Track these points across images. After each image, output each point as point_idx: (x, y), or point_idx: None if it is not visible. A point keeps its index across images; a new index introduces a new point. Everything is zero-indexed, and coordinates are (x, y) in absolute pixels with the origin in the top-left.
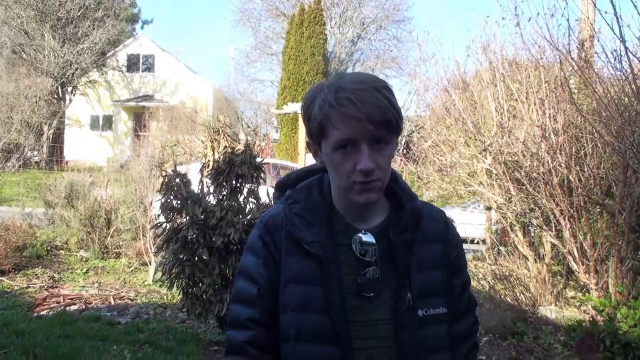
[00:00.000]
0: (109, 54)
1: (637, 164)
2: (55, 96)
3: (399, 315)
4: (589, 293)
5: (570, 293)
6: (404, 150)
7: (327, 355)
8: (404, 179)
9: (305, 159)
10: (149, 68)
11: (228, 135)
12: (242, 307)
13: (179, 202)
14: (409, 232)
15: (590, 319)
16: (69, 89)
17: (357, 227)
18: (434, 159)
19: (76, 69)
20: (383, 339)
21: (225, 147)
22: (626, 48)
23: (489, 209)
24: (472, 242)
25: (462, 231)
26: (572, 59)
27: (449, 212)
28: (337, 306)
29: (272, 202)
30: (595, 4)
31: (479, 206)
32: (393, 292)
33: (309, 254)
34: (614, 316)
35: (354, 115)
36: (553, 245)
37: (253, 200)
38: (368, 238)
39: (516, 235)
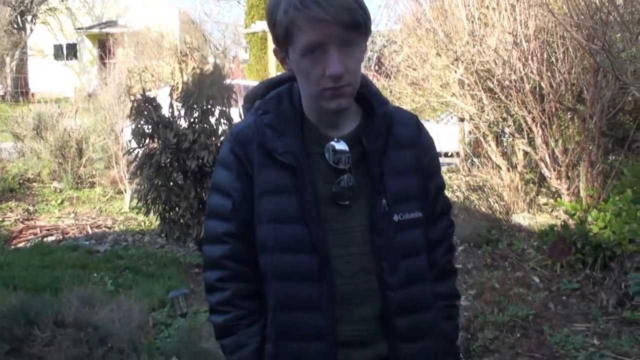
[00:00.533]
0: None
1: (608, 66)
2: (15, 26)
3: (374, 221)
4: (560, 198)
5: (543, 200)
6: (376, 66)
7: (306, 263)
8: None
9: None
10: None
11: (195, 56)
12: (217, 222)
13: (150, 127)
14: (381, 138)
15: (562, 223)
16: (29, 17)
17: (329, 135)
18: (406, 72)
19: None
20: (360, 245)
21: (194, 68)
22: None
23: (462, 120)
24: (446, 155)
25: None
26: None
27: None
28: (313, 215)
29: (242, 115)
30: None
31: (452, 118)
32: (368, 199)
33: (282, 165)
34: (585, 219)
35: (321, 17)
36: (526, 153)
37: (225, 122)
38: (341, 146)
39: (489, 145)
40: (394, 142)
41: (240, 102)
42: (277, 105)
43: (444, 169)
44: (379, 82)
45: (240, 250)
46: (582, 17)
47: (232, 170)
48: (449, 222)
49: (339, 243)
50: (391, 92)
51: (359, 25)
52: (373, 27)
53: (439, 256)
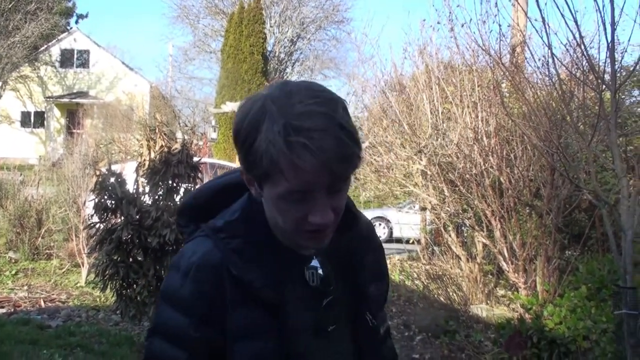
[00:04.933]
0: (41, 49)
1: (563, 167)
2: None
3: (365, 339)
4: (517, 292)
5: (500, 292)
6: None
7: None
8: None
9: None
10: (84, 64)
11: (165, 134)
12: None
13: (113, 202)
14: (363, 248)
15: (519, 317)
16: None
17: (303, 254)
18: (370, 160)
19: (6, 64)
20: None
21: (162, 146)
22: (553, 54)
23: (424, 209)
24: (407, 242)
25: (398, 231)
26: (504, 64)
27: (386, 213)
28: (296, 356)
29: (179, 233)
30: (526, 13)
31: (414, 207)
32: (349, 315)
33: (260, 302)
34: (541, 314)
35: (311, 168)
36: (484, 245)
37: None
38: (317, 264)
39: (449, 235)
40: (365, 246)
41: (207, 180)
42: (247, 226)
43: (404, 256)
44: None
45: None
46: (539, 118)
47: (194, 314)
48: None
49: None
50: (356, 178)
51: (353, 169)
52: None
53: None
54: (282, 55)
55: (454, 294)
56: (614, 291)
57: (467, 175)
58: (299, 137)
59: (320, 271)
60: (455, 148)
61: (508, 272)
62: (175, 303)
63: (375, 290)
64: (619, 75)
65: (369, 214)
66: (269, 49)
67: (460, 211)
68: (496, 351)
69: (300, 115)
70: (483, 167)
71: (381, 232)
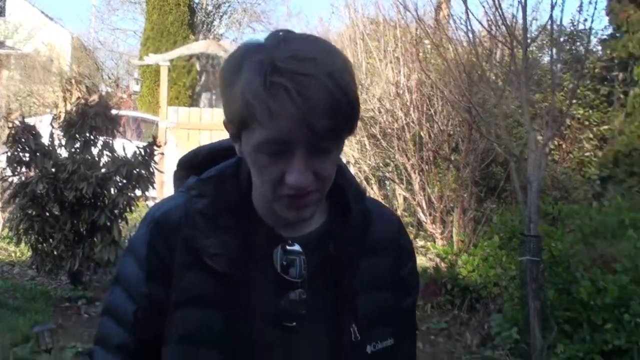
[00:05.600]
0: None
1: (480, 122)
2: None
3: (342, 355)
4: (435, 242)
5: (420, 242)
6: None
7: None
8: None
9: (168, 113)
10: (0, 12)
11: (81, 86)
12: (113, 325)
13: (27, 155)
14: (355, 243)
15: (434, 266)
16: None
17: (282, 235)
18: None
19: None
20: None
21: (79, 97)
22: (469, 10)
23: (347, 163)
24: None
25: None
26: (424, 21)
27: None
28: (242, 338)
29: (173, 186)
30: None
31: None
32: (330, 322)
33: (210, 270)
34: (455, 263)
35: (288, 114)
36: (405, 198)
37: (108, 153)
38: (296, 248)
39: (372, 189)
40: (369, 247)
41: (129, 134)
42: (218, 187)
43: None
44: None
45: None
46: (456, 75)
47: (143, 268)
48: (413, 346)
49: None
50: None
51: (341, 130)
52: None
53: None
54: (210, 8)
55: None
56: (519, 239)
57: (389, 130)
58: (280, 79)
59: (289, 248)
60: (377, 103)
61: (426, 223)
62: (133, 254)
63: (371, 302)
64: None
65: None
66: (196, 0)
67: (382, 165)
68: None
69: (288, 58)
70: (404, 122)
71: None
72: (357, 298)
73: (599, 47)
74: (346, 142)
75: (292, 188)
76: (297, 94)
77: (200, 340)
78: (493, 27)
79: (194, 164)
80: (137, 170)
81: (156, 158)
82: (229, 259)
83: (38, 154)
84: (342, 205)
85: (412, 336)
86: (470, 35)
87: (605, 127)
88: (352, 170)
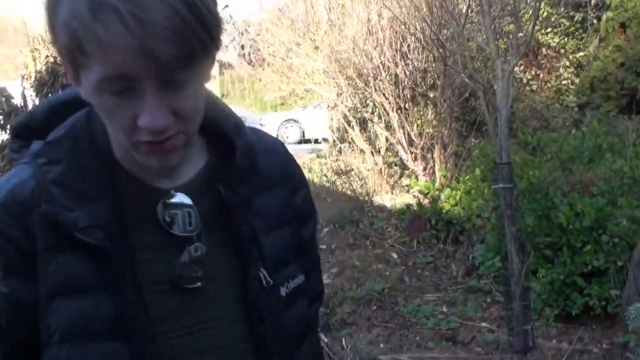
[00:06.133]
0: None
1: (455, 55)
2: None
3: (255, 303)
4: (417, 179)
5: (405, 181)
6: (249, 56)
7: None
8: (245, 84)
9: None
10: None
11: (50, 44)
12: None
13: (1, 117)
14: (246, 181)
15: (418, 202)
16: None
17: (159, 188)
18: (272, 61)
19: None
20: (227, 345)
21: (47, 56)
22: None
23: (332, 108)
24: (316, 141)
25: (309, 132)
26: None
27: (295, 115)
28: (138, 322)
29: (10, 160)
30: None
31: (321, 106)
32: (235, 272)
33: (84, 247)
34: (438, 198)
35: (122, 43)
36: (387, 138)
37: None
38: (180, 199)
39: (354, 131)
40: (260, 182)
41: None
42: (71, 149)
43: (313, 155)
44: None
45: None
46: (431, 8)
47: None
48: (319, 275)
49: (189, 349)
50: (260, 80)
51: (195, 56)
52: (246, 17)
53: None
54: None
55: (359, 187)
56: (492, 167)
57: (364, 70)
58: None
59: (174, 201)
60: (350, 43)
61: (407, 160)
62: None
63: (275, 241)
64: None
65: (277, 117)
66: None
67: (360, 105)
68: (398, 235)
69: None
70: (379, 61)
71: (293, 134)
72: (260, 240)
73: None
74: (325, 85)
75: (148, 132)
76: (130, 16)
77: (87, 335)
78: None
79: (33, 128)
80: None
81: None
82: (105, 230)
83: (12, 114)
84: (223, 141)
85: (317, 264)
86: None
87: (581, 54)
88: (336, 115)
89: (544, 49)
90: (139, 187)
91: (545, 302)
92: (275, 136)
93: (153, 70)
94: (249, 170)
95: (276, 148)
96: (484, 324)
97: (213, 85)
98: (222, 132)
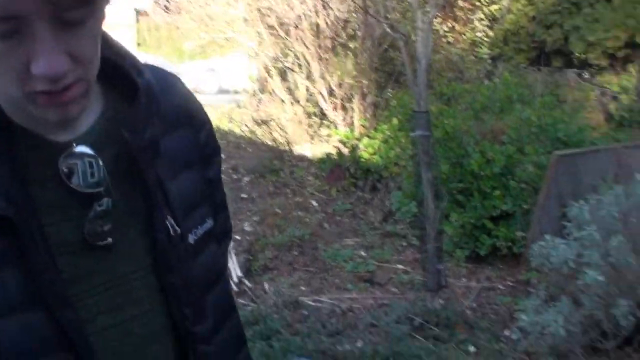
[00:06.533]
0: None
1: (377, 5)
2: None
3: (164, 253)
4: (337, 129)
5: (325, 131)
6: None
7: None
8: (162, 32)
9: None
10: None
11: None
12: None
13: None
14: (150, 124)
15: (337, 151)
16: None
17: (56, 141)
18: (190, 8)
19: None
20: (141, 298)
21: None
22: None
23: (252, 57)
24: (236, 92)
25: (227, 81)
26: None
27: (214, 64)
28: (55, 289)
29: None
30: None
31: (241, 56)
32: (143, 223)
33: None
34: (357, 147)
35: None
36: (308, 89)
37: None
38: (82, 149)
39: (274, 81)
40: (162, 124)
41: None
42: None
43: (233, 105)
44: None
45: None
46: None
47: None
48: (226, 213)
49: (105, 307)
50: (178, 28)
51: None
52: None
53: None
54: None
55: (280, 137)
56: (410, 116)
57: (286, 19)
58: None
59: (77, 151)
60: None
61: (327, 110)
62: None
63: (183, 185)
64: None
65: (196, 66)
66: None
67: (281, 55)
68: (318, 184)
69: None
70: (301, 10)
71: (212, 83)
72: (166, 186)
73: None
74: (245, 34)
75: (44, 80)
76: None
77: (3, 311)
78: None
79: None
80: None
81: None
82: (5, 197)
83: None
84: (121, 82)
85: (224, 202)
86: None
87: (495, 7)
88: (256, 65)
89: (460, 2)
90: (36, 143)
91: (456, 244)
92: (194, 86)
93: (44, 7)
94: (152, 112)
95: (175, 85)
96: (399, 266)
97: (131, 34)
98: (120, 73)
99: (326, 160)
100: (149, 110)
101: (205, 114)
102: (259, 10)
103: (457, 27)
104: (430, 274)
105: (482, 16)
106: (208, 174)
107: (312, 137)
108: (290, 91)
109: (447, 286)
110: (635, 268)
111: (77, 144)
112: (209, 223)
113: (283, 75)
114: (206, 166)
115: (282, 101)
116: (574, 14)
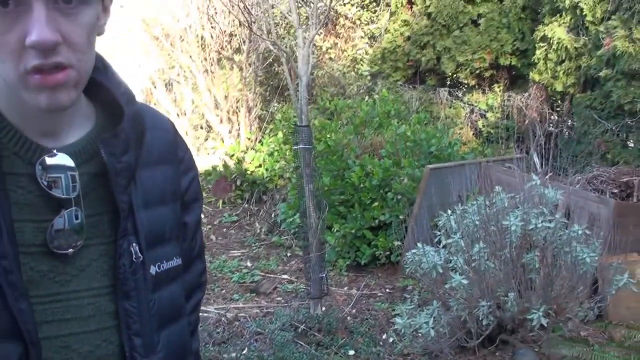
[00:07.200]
0: None
1: (260, 22)
2: None
3: (123, 278)
4: (223, 141)
5: (211, 144)
6: None
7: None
8: None
9: None
10: None
11: None
12: None
13: None
14: (132, 152)
15: (223, 164)
16: None
17: (43, 146)
18: None
19: None
20: (92, 317)
21: None
22: None
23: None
24: None
25: None
26: None
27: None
28: (12, 277)
29: None
30: None
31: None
32: (109, 244)
33: None
34: (243, 159)
35: None
36: (193, 100)
37: None
38: (60, 160)
39: (158, 92)
40: (145, 156)
41: None
42: None
43: None
44: None
45: None
46: None
47: None
48: (203, 265)
49: (54, 317)
50: None
51: None
52: None
53: (189, 310)
54: None
55: None
56: (293, 129)
57: (172, 31)
58: None
59: (52, 162)
60: (157, 2)
61: (213, 123)
62: None
63: (152, 218)
64: None
65: None
66: None
67: (167, 67)
68: (204, 196)
69: None
70: (186, 23)
71: None
72: (136, 214)
73: None
74: (128, 44)
75: (37, 52)
76: None
77: None
78: None
79: None
80: None
81: None
82: None
83: None
84: (112, 108)
85: (202, 255)
86: None
87: (374, 26)
88: (137, 74)
89: (342, 19)
90: (23, 142)
91: (338, 254)
92: None
93: None
94: (135, 141)
95: (165, 126)
96: (284, 276)
97: None
98: (112, 100)
99: (212, 172)
100: (130, 138)
101: (193, 161)
102: (144, 21)
103: (339, 43)
104: (313, 282)
105: (362, 34)
106: (184, 218)
107: (198, 150)
108: (175, 103)
109: (329, 294)
110: (495, 272)
111: (57, 153)
112: (176, 262)
113: (168, 86)
114: (184, 211)
115: (168, 112)
116: (444, 35)
